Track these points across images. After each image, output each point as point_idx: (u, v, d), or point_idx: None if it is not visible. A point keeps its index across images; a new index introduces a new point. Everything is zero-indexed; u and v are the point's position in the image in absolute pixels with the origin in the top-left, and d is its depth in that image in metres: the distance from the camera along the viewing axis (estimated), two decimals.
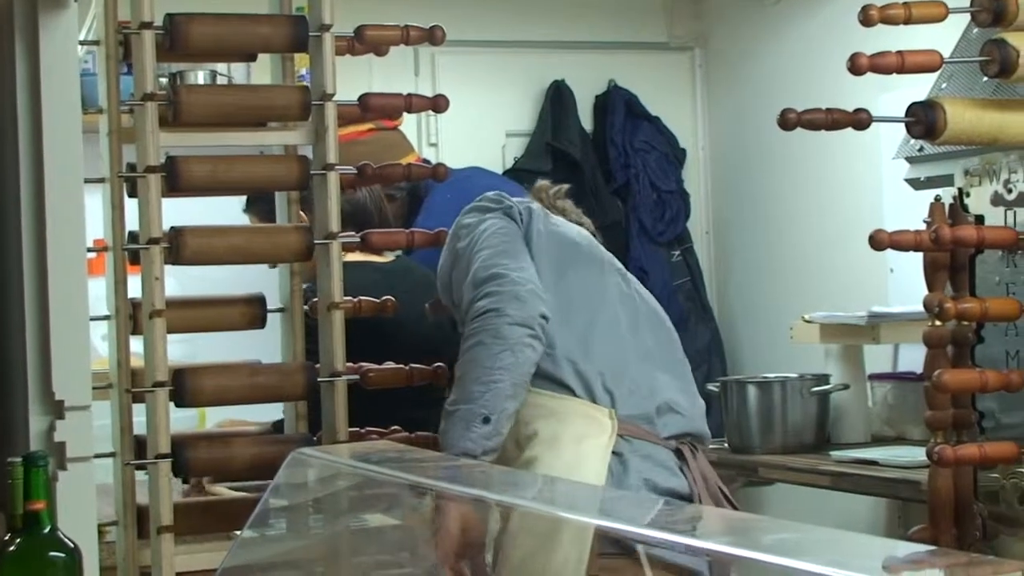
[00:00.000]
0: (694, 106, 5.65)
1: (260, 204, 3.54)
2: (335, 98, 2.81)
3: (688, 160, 5.56)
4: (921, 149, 3.26)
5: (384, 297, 2.98)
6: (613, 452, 2.71)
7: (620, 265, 3.03)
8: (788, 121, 2.80)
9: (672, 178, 5.44)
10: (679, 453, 2.82)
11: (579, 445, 2.69)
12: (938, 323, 2.91)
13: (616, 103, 5.42)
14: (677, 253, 5.39)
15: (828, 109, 2.83)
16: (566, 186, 3.13)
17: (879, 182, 4.79)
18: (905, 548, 1.58)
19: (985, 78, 2.98)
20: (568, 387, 2.77)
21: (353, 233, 2.97)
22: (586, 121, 5.44)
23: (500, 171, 5.23)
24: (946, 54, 2.95)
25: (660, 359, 2.90)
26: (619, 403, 2.78)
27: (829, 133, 2.99)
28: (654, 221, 5.34)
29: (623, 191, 5.36)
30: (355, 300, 2.90)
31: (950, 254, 2.96)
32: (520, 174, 5.18)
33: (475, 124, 5.29)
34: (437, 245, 3.04)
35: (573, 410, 2.74)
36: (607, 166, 5.37)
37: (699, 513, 1.86)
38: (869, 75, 2.90)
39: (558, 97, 5.37)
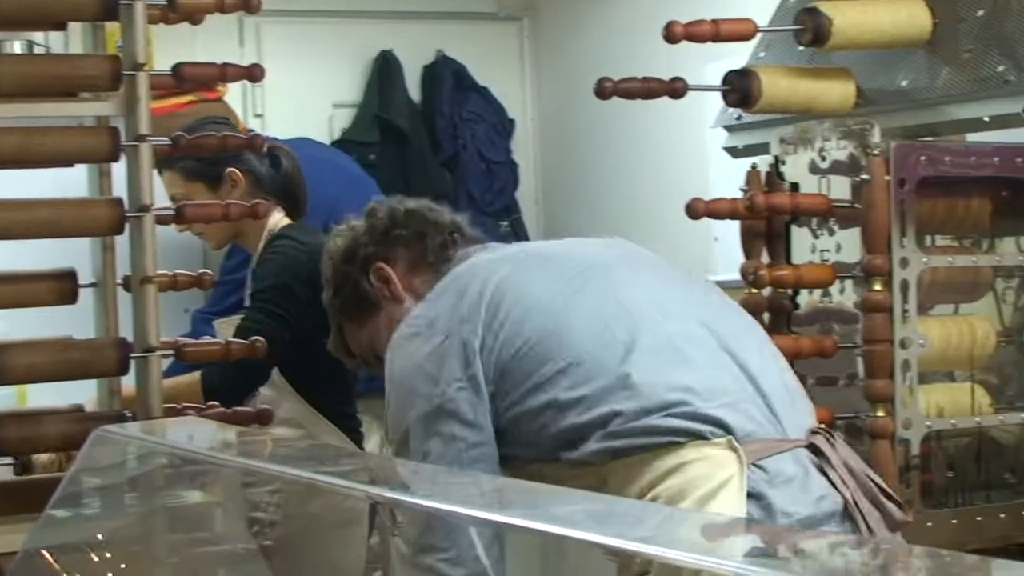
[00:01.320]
0: (522, 76, 5.64)
1: (183, 162, 3.41)
2: (149, 68, 2.74)
3: (517, 130, 5.55)
4: (739, 118, 3.27)
5: (201, 271, 2.92)
6: (749, 495, 2.17)
7: (597, 245, 2.59)
8: (604, 90, 2.80)
9: (501, 148, 5.42)
10: (814, 449, 2.30)
11: (708, 503, 2.15)
12: (754, 290, 2.93)
13: (444, 73, 5.38)
14: (506, 223, 5.38)
15: (644, 78, 2.84)
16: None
17: (704, 151, 4.81)
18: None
19: (801, 47, 3.01)
20: (666, 431, 2.21)
21: (168, 206, 2.91)
22: (414, 92, 5.40)
23: (327, 142, 5.17)
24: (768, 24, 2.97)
25: (729, 329, 2.36)
26: (731, 422, 2.23)
27: (657, 103, 3.00)
28: (483, 192, 5.32)
29: (451, 162, 5.34)
30: (171, 274, 2.84)
31: (766, 222, 2.98)
32: (347, 145, 5.13)
33: (301, 95, 5.22)
34: (255, 216, 3.00)
35: (685, 458, 2.19)
36: (435, 137, 5.34)
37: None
38: (695, 46, 2.92)
39: (386, 68, 5.32)
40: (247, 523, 2.59)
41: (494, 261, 2.42)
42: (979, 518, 2.89)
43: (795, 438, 2.28)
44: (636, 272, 2.44)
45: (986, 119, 2.86)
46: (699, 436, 2.18)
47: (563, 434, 2.21)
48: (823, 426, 2.39)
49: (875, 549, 1.60)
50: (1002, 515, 2.91)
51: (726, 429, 2.20)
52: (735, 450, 2.17)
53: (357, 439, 3.53)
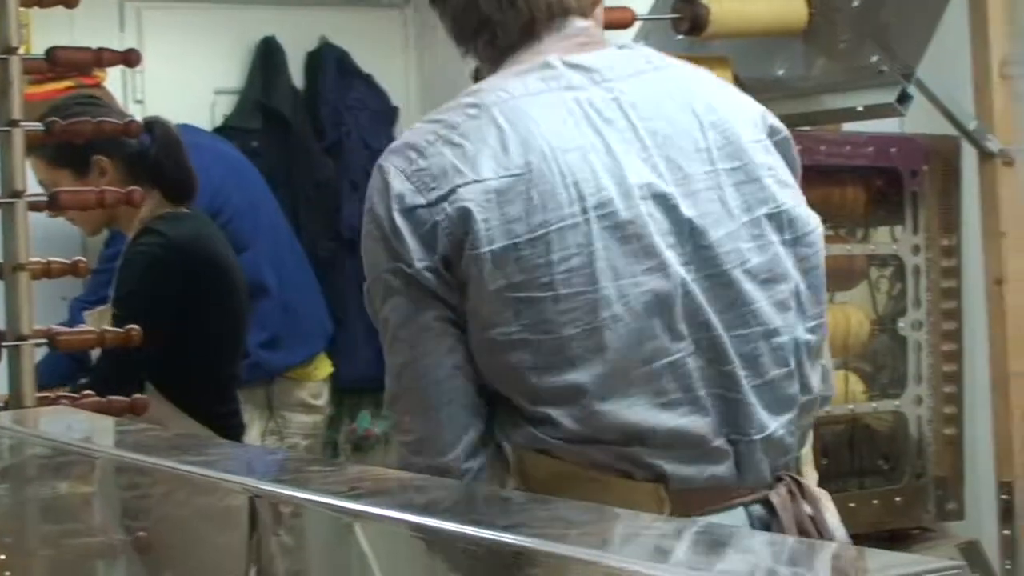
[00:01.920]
0: (406, 64, 5.61)
1: (46, 149, 3.34)
2: (26, 52, 2.70)
3: (400, 118, 5.52)
4: None
5: (76, 258, 2.87)
6: None
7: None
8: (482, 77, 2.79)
9: (384, 136, 5.38)
10: (768, 505, 1.89)
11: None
12: None
13: (328, 60, 5.34)
14: None
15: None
16: None
17: None
18: None
19: (679, 36, 3.02)
20: (592, 462, 1.84)
21: (42, 193, 2.87)
22: (297, 79, 5.35)
23: (209, 129, 5.11)
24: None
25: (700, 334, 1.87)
26: (667, 462, 1.84)
27: None
28: (366, 179, 5.21)
29: (335, 149, 5.29)
30: (44, 261, 2.79)
31: None
32: (230, 132, 5.08)
33: (183, 81, 5.15)
34: (131, 204, 2.96)
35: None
36: (318, 124, 5.29)
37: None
38: None
39: (268, 54, 5.26)
40: (121, 514, 2.55)
41: None
42: (852, 504, 2.93)
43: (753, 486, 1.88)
44: None
45: (860, 109, 2.89)
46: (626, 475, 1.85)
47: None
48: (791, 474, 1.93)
49: (749, 537, 1.61)
50: (875, 501, 2.95)
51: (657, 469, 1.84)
52: (662, 497, 1.83)
53: (236, 436, 3.48)
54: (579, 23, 1.98)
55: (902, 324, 3.01)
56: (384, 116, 5.43)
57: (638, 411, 1.83)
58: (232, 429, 3.47)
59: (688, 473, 1.84)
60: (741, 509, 1.86)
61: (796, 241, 1.92)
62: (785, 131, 2.01)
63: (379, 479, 1.71)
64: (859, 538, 2.77)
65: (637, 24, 3.04)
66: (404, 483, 1.61)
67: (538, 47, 1.96)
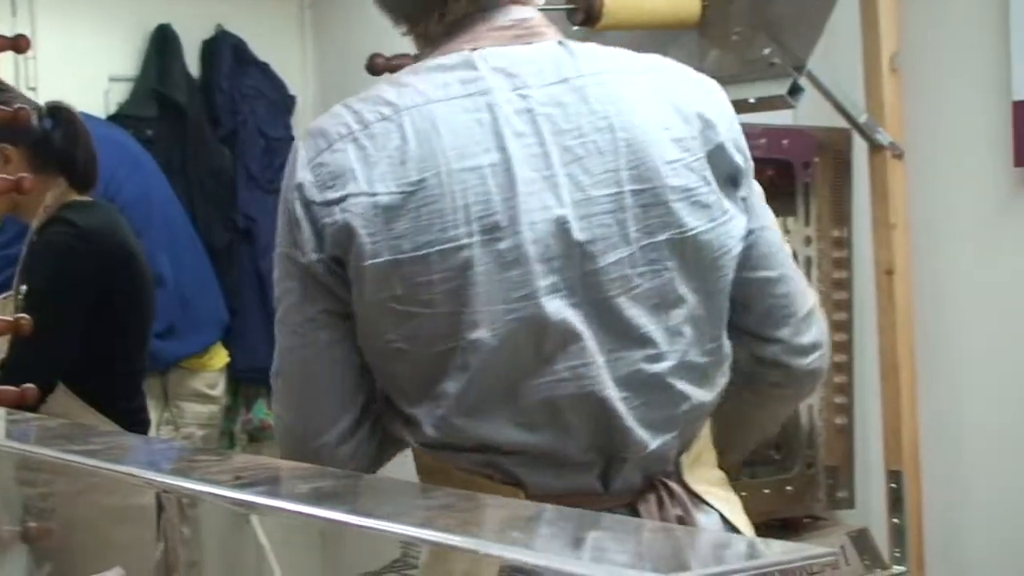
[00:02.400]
0: (303, 52, 5.58)
1: None
2: None
3: (297, 107, 5.49)
4: None
5: None
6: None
7: None
8: (376, 66, 2.80)
9: (281, 125, 5.36)
10: (634, 511, 1.91)
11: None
12: None
13: (223, 48, 5.30)
14: None
15: (416, 55, 2.82)
16: None
17: None
18: None
19: (574, 27, 3.02)
20: (455, 464, 1.88)
21: None
22: (193, 66, 5.30)
23: (104, 117, 5.05)
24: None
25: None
26: (525, 471, 1.86)
27: None
28: (262, 168, 5.24)
29: (231, 138, 5.25)
30: None
31: None
32: (124, 120, 5.03)
33: (77, 68, 5.09)
34: (20, 191, 2.93)
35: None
36: (214, 112, 5.25)
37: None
38: None
39: (164, 41, 5.21)
40: (15, 506, 2.52)
41: None
42: (744, 494, 2.92)
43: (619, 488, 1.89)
44: None
45: (752, 100, 2.91)
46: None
47: None
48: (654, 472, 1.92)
49: (637, 528, 1.61)
50: (766, 491, 2.97)
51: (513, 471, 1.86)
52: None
53: (143, 431, 3.44)
54: (516, 12, 1.95)
55: None
56: (281, 105, 5.40)
57: (497, 429, 1.84)
58: (140, 425, 3.44)
59: (547, 481, 1.85)
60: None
61: (702, 266, 1.89)
62: (721, 138, 1.96)
63: (265, 468, 1.71)
64: (753, 526, 2.81)
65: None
66: (289, 472, 1.60)
67: (471, 35, 1.93)
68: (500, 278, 1.81)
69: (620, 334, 1.85)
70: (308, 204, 1.85)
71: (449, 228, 1.81)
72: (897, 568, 3.17)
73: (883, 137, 3.10)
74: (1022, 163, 3.40)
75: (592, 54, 1.95)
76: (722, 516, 1.99)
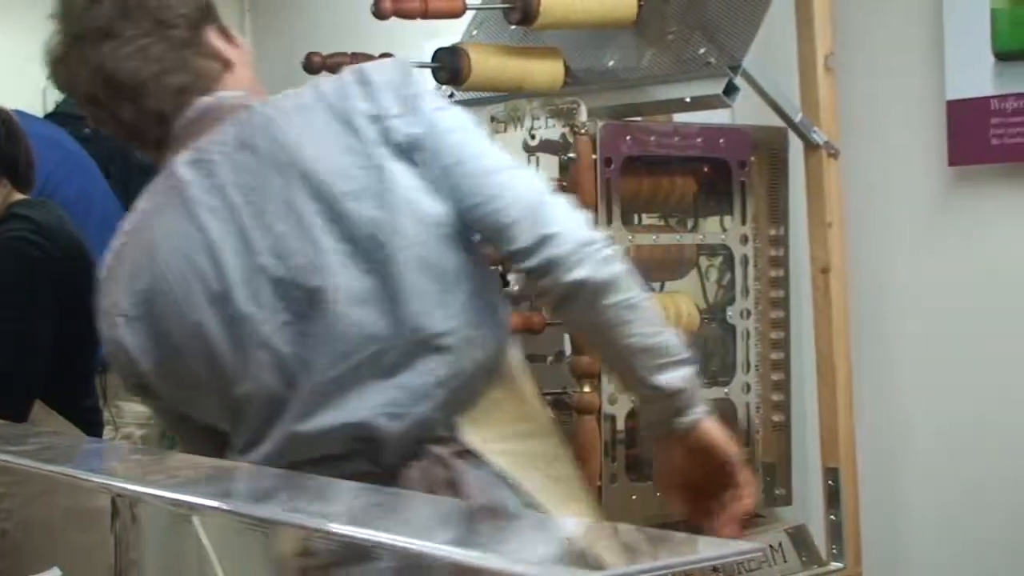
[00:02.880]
0: None
1: None
2: None
3: None
4: (451, 95, 3.28)
5: None
6: None
7: None
8: (313, 64, 2.80)
9: None
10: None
11: None
12: None
13: None
14: None
15: (353, 53, 2.84)
16: None
17: None
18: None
19: (512, 26, 3.03)
20: None
21: None
22: None
23: (41, 115, 5.02)
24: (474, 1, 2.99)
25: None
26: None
27: None
28: None
29: None
30: None
31: None
32: (61, 118, 4.99)
33: (13, 66, 5.05)
34: None
35: None
36: None
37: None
38: (418, 23, 2.93)
39: None
40: None
41: None
42: None
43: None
44: None
45: (688, 100, 2.93)
46: None
47: None
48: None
49: (577, 526, 1.63)
50: None
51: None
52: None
53: (99, 431, 3.42)
54: (203, 102, 2.13)
55: (730, 313, 3.06)
56: None
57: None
58: (97, 425, 3.42)
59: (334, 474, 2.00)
60: None
61: (381, 251, 2.04)
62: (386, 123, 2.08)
63: (202, 468, 1.72)
64: (690, 525, 2.83)
65: (469, 14, 3.05)
66: (223, 472, 1.61)
67: (174, 141, 2.13)
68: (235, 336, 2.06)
69: (352, 336, 2.04)
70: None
71: (185, 315, 2.06)
72: (834, 564, 3.20)
73: (818, 136, 3.12)
74: (956, 162, 3.44)
75: (268, 106, 2.14)
76: (495, 472, 2.08)
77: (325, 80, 2.16)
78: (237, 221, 2.05)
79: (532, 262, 2.06)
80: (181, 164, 2.10)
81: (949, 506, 3.57)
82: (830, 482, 3.21)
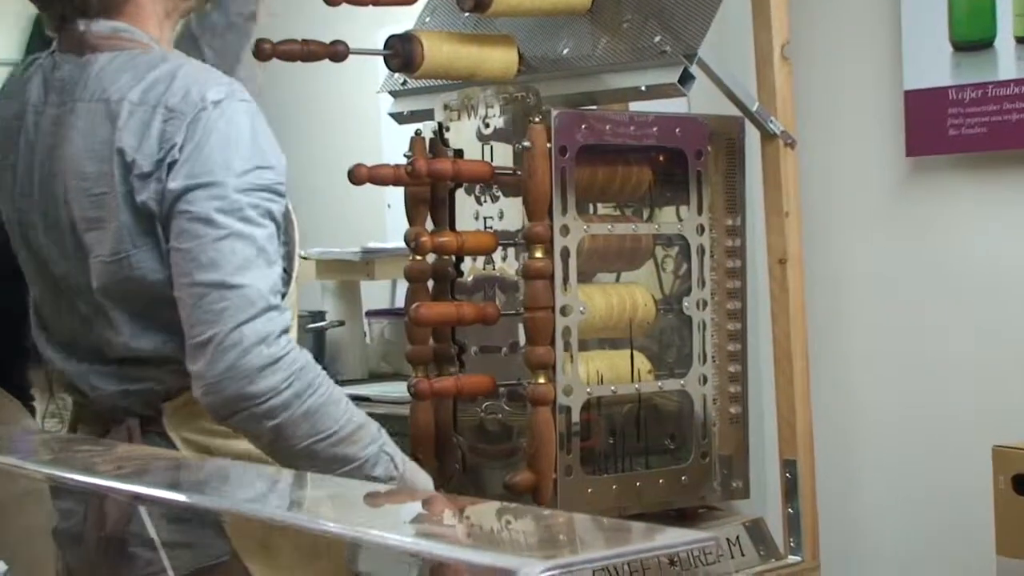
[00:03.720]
0: None
1: None
2: None
3: None
4: (404, 83, 3.28)
5: None
6: None
7: None
8: (263, 51, 2.79)
9: None
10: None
11: None
12: (418, 257, 2.96)
13: None
14: None
15: (304, 40, 2.83)
16: None
17: (378, 118, 4.82)
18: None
19: (465, 13, 3.03)
20: None
21: None
22: None
23: None
24: None
25: None
26: None
27: (332, 68, 3.01)
28: None
29: None
30: None
31: (430, 188, 3.00)
32: None
33: None
34: None
35: None
36: None
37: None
38: (369, 9, 2.93)
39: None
40: None
41: None
42: (639, 483, 2.98)
43: None
44: None
45: (643, 88, 2.93)
46: None
47: None
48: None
49: (537, 516, 1.64)
50: (661, 480, 3.00)
51: None
52: None
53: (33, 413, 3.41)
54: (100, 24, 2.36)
55: (687, 303, 3.06)
56: None
57: None
58: (31, 409, 3.40)
59: None
60: None
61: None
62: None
63: (147, 458, 1.71)
64: (647, 516, 2.84)
65: (421, 1, 3.05)
66: (168, 462, 1.61)
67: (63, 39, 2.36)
68: None
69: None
70: None
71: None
72: (792, 558, 3.22)
73: (775, 126, 3.13)
74: (914, 152, 3.46)
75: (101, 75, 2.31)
76: None
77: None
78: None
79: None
80: (41, 69, 2.35)
81: (906, 498, 3.60)
82: (787, 474, 3.22)
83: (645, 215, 3.11)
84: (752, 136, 3.19)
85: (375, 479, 2.24)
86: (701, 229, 3.07)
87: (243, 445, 2.22)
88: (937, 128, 3.39)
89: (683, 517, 3.10)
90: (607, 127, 2.93)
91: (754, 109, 3.11)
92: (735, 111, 3.13)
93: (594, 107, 3.06)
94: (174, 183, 2.18)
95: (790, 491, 3.22)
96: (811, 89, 3.50)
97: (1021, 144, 3.32)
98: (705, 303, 3.07)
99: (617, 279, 3.10)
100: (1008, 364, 3.43)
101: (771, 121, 3.13)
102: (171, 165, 2.19)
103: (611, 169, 3.00)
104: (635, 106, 3.17)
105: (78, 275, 2.27)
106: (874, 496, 3.65)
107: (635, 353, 3.02)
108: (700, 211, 3.07)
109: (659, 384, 3.04)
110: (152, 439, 2.19)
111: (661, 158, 3.07)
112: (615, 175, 3.01)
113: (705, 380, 3.07)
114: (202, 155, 2.19)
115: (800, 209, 3.22)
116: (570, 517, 1.41)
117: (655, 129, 2.99)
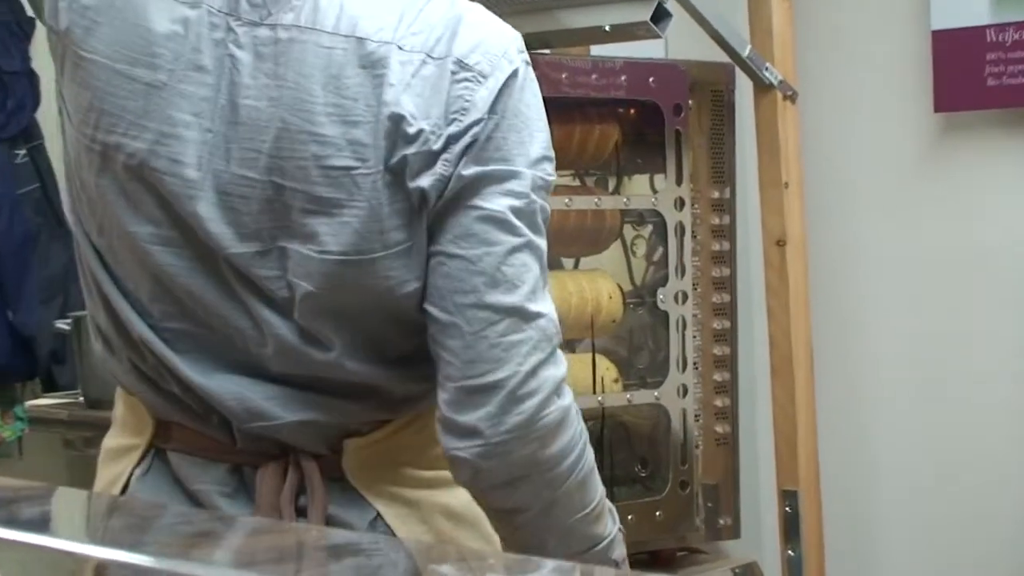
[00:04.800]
0: None
1: None
2: None
3: (38, 33, 5.41)
4: None
5: None
6: None
7: None
8: None
9: (16, 55, 5.29)
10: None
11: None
12: None
13: None
14: (23, 152, 5.24)
15: None
16: None
17: None
18: None
19: None
20: None
21: None
22: None
23: None
24: None
25: None
26: None
27: None
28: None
29: None
30: None
31: None
32: None
33: None
34: None
35: None
36: None
37: None
38: None
39: None
40: None
41: None
42: None
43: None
44: None
45: (607, 28, 2.92)
46: None
47: None
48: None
49: (443, 553, 1.62)
50: (630, 516, 2.99)
51: None
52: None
53: None
54: None
55: (662, 296, 3.06)
56: (16, 29, 5.34)
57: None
58: None
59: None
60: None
61: None
62: None
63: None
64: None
65: None
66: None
67: None
68: None
69: None
70: None
71: None
72: None
73: (772, 75, 3.13)
74: (944, 107, 3.45)
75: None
76: (379, 515, 2.04)
77: None
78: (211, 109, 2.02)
79: None
80: None
81: (932, 535, 3.59)
82: (787, 508, 3.22)
83: (611, 185, 3.11)
84: (744, 87, 3.18)
85: (613, 563, 2.12)
86: (680, 203, 3.07)
87: (446, 497, 2.11)
88: (973, 77, 3.39)
89: (657, 562, 3.10)
90: (563, 76, 2.92)
91: (746, 54, 3.10)
92: (723, 57, 3.13)
93: (547, 51, 3.04)
94: (468, 169, 1.96)
95: (790, 529, 3.23)
96: (815, 29, 3.49)
97: None
98: (685, 296, 3.07)
99: (576, 265, 3.10)
100: None
101: (767, 69, 3.13)
102: (468, 144, 1.97)
103: (568, 128, 2.99)
104: (598, 50, 3.16)
105: (269, 266, 2.02)
106: (894, 534, 3.65)
107: (598, 358, 3.01)
108: (679, 181, 3.06)
109: (628, 396, 3.04)
110: (331, 488, 2.06)
111: (631, 113, 3.07)
112: (572, 135, 3.00)
113: (685, 392, 3.07)
114: (499, 133, 1.99)
115: (803, 179, 3.22)
116: (502, 557, 1.37)
117: (623, 78, 2.99)
